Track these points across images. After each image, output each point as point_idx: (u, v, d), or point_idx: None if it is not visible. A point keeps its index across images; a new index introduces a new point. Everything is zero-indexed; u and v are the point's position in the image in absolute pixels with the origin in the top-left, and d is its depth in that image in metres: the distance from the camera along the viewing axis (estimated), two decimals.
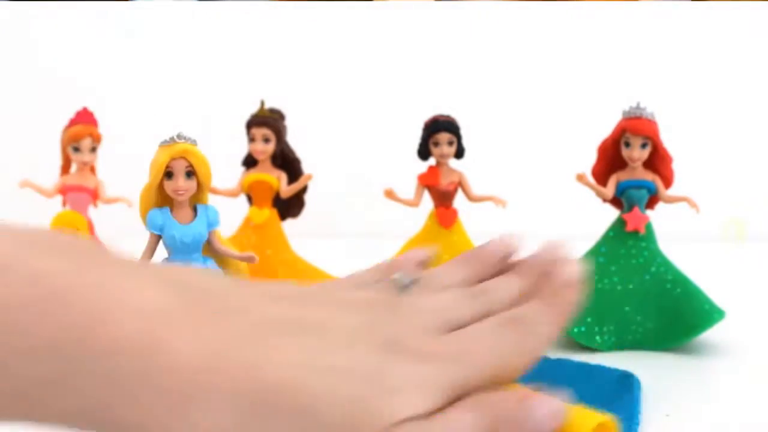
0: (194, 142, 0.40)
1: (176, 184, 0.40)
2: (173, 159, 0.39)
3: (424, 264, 0.36)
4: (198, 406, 0.25)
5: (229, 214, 0.58)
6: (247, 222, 0.56)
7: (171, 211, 0.41)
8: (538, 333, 0.32)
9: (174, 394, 0.25)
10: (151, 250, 0.42)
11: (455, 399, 0.28)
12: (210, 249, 0.42)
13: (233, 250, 0.42)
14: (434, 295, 0.33)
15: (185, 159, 0.39)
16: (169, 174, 0.40)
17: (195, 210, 0.41)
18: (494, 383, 0.30)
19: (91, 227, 0.53)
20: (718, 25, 0.94)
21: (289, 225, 0.58)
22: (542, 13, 0.96)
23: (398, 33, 0.97)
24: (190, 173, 0.40)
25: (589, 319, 0.51)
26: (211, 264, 0.42)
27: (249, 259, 0.42)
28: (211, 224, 0.41)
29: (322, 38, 0.98)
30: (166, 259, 0.42)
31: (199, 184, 0.40)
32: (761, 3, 0.93)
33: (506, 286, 0.34)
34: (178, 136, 0.40)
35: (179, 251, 0.41)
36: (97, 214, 0.56)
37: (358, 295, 0.32)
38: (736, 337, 0.52)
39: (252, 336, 0.27)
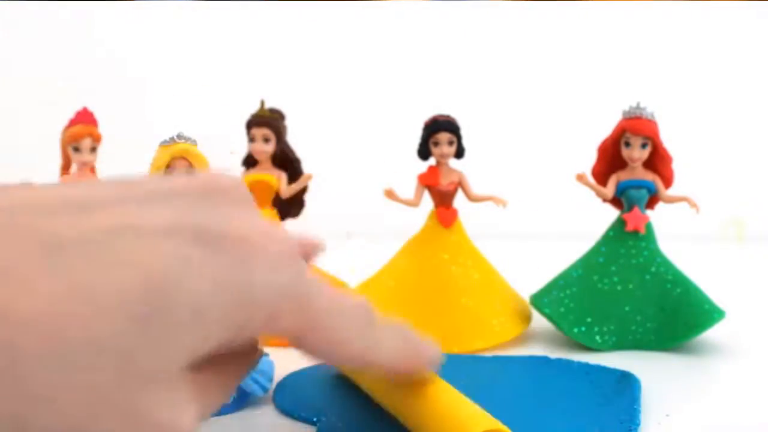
0: (194, 142, 0.41)
1: None
2: (173, 159, 0.40)
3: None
4: None
5: None
6: None
7: None
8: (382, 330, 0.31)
9: None
10: None
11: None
12: None
13: None
14: None
15: (185, 159, 0.40)
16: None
17: None
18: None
19: None
20: (718, 25, 0.94)
21: (289, 225, 0.58)
22: (542, 13, 0.96)
23: (398, 33, 0.97)
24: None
25: (589, 319, 0.51)
26: None
27: None
28: None
29: (322, 38, 0.98)
30: None
31: None
32: (761, 3, 0.93)
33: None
34: (179, 136, 0.40)
35: None
36: None
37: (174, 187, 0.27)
38: (736, 337, 0.52)
39: (13, 266, 0.22)
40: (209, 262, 0.25)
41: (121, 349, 0.23)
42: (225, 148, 0.65)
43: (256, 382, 0.42)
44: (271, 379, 0.43)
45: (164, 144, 0.40)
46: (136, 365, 0.23)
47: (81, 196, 0.25)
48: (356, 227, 0.88)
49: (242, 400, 0.42)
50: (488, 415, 0.33)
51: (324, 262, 0.58)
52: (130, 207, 0.25)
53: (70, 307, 0.22)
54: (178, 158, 0.39)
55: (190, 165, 0.40)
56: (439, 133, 0.54)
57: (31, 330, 0.22)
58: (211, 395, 0.27)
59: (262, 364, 0.43)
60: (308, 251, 0.33)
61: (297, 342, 0.28)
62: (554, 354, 0.50)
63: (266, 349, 0.52)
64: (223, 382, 0.27)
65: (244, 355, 0.29)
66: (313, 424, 0.41)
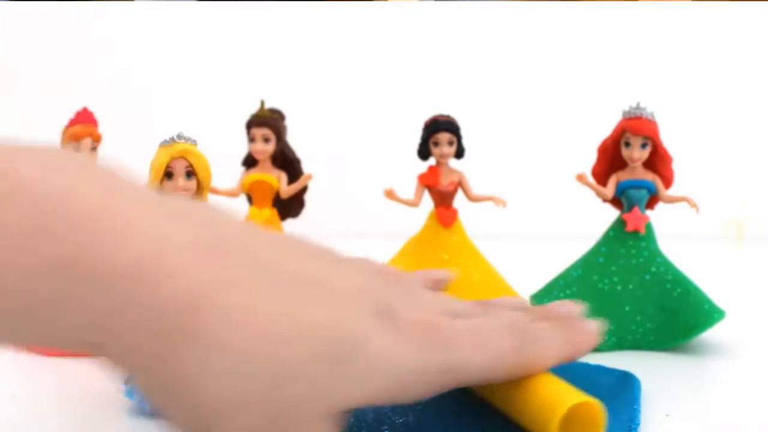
0: (194, 142, 0.40)
1: (176, 185, 0.40)
2: (173, 159, 0.40)
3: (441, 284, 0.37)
4: (186, 344, 0.25)
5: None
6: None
7: None
8: (542, 345, 0.32)
9: (168, 326, 0.25)
10: None
11: (435, 384, 0.29)
12: None
13: None
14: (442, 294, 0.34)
15: (185, 159, 0.40)
16: (169, 174, 0.40)
17: None
18: (480, 380, 0.31)
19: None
20: (718, 25, 0.94)
21: (289, 225, 0.58)
22: (542, 13, 0.96)
23: (398, 33, 0.97)
24: (190, 173, 0.40)
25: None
26: None
27: None
28: None
29: (322, 38, 0.98)
30: None
31: (199, 184, 0.40)
32: (761, 3, 0.93)
33: (517, 304, 0.35)
34: (178, 136, 0.40)
35: None
36: None
37: (366, 261, 0.33)
38: (736, 337, 0.52)
39: (253, 280, 0.27)
40: (387, 333, 0.28)
41: (308, 378, 0.26)
42: (225, 148, 0.65)
43: None
44: None
45: (164, 144, 0.40)
46: (300, 397, 0.26)
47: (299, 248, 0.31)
48: (356, 227, 0.88)
49: None
50: (578, 391, 0.33)
51: None
52: (330, 266, 0.30)
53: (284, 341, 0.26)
54: (177, 158, 0.39)
55: (190, 165, 0.40)
56: (439, 133, 0.54)
57: (235, 346, 0.25)
58: None
59: None
60: (441, 285, 0.38)
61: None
62: None
63: None
64: None
65: None
66: None
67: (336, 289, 0.28)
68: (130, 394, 0.43)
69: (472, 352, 0.30)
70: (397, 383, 0.28)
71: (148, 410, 0.42)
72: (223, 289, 0.26)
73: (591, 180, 0.53)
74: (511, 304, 0.35)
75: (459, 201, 0.56)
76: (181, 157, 0.39)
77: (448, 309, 0.32)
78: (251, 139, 0.56)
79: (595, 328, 0.35)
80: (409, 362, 0.28)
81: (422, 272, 0.37)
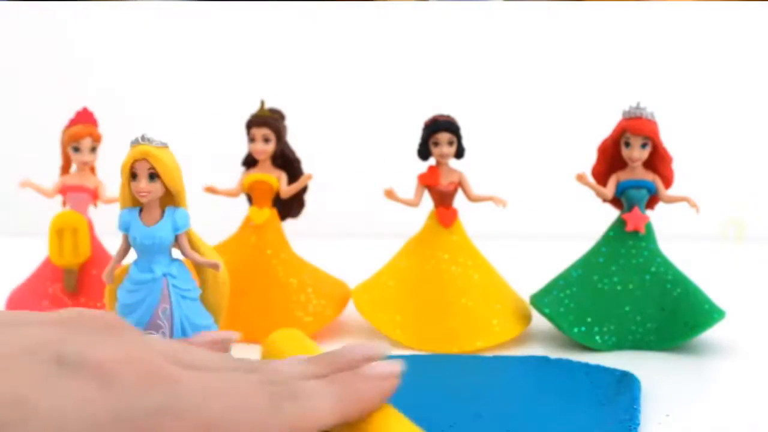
0: (162, 145, 0.41)
1: (138, 186, 0.40)
2: (135, 160, 0.40)
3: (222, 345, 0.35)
4: None
5: (229, 214, 0.59)
6: (247, 222, 0.56)
7: (141, 212, 0.41)
8: (304, 405, 0.29)
9: None
10: (124, 250, 0.42)
11: None
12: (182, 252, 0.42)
13: (199, 256, 0.42)
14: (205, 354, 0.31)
15: (146, 161, 0.40)
16: (134, 175, 0.40)
17: (164, 213, 0.41)
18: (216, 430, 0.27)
19: (91, 227, 0.53)
20: (718, 25, 0.94)
21: (289, 225, 0.58)
22: (542, 13, 0.96)
23: (398, 33, 0.97)
24: (154, 175, 0.40)
25: (589, 319, 0.51)
26: (179, 266, 0.42)
27: (213, 266, 0.42)
28: (177, 228, 0.41)
29: (322, 38, 0.98)
30: (135, 260, 0.42)
31: (168, 187, 0.40)
32: (761, 3, 0.93)
33: (295, 360, 0.32)
34: (143, 138, 0.40)
35: (142, 253, 0.41)
36: (97, 214, 0.56)
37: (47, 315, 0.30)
38: (736, 337, 0.52)
39: None
40: (71, 383, 0.26)
41: None
42: (225, 149, 0.65)
43: None
44: None
45: (131, 144, 0.40)
46: None
47: None
48: (356, 227, 0.88)
49: None
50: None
51: (325, 263, 0.58)
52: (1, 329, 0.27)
53: None
54: (139, 160, 0.40)
55: (152, 167, 0.40)
56: (439, 133, 0.54)
57: None
58: None
59: None
60: (221, 346, 0.35)
61: None
62: (554, 354, 0.50)
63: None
64: None
65: None
66: None
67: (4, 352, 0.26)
68: None
69: (203, 397, 0.27)
70: None
71: None
72: None
73: (591, 180, 0.53)
74: (288, 361, 0.32)
75: (459, 201, 0.56)
76: (143, 159, 0.40)
77: (178, 357, 0.29)
78: (251, 139, 0.56)
79: (390, 370, 0.31)
80: (102, 410, 0.26)
81: (202, 334, 0.36)
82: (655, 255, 0.52)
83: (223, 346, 0.35)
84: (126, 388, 0.26)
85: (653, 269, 0.52)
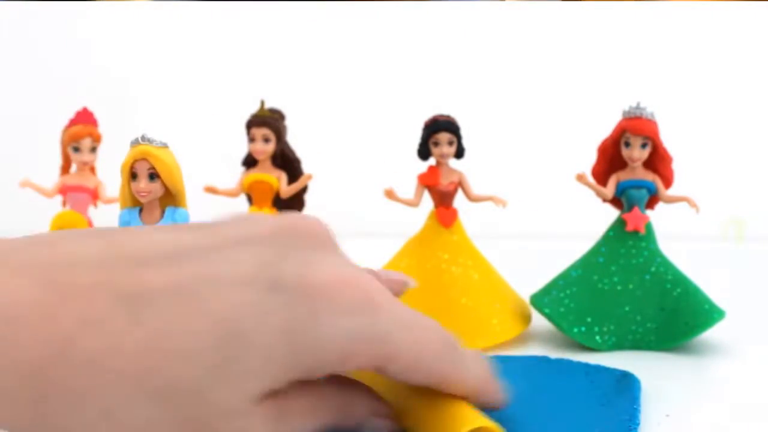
0: (162, 145, 0.41)
1: (138, 186, 0.40)
2: (135, 160, 0.40)
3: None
4: (48, 401, 0.25)
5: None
6: None
7: (141, 212, 0.41)
8: (467, 367, 0.32)
9: (23, 390, 0.25)
10: None
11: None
12: None
13: None
14: None
15: (146, 161, 0.40)
16: (134, 175, 0.40)
17: (164, 213, 0.41)
18: (405, 371, 0.30)
19: (91, 227, 0.53)
20: (718, 25, 0.94)
21: None
22: (542, 13, 0.96)
23: (398, 33, 0.97)
24: (154, 175, 0.40)
25: (589, 319, 0.51)
26: None
27: None
28: None
29: (322, 38, 0.98)
30: None
31: (168, 187, 0.40)
32: (761, 3, 0.93)
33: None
34: (143, 138, 0.40)
35: None
36: (97, 214, 0.56)
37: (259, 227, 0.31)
38: (736, 337, 0.52)
39: (103, 319, 0.26)
40: (281, 312, 0.27)
41: (196, 390, 0.26)
42: (225, 148, 0.65)
43: None
44: None
45: (131, 144, 0.40)
46: (209, 403, 0.26)
47: (167, 247, 0.29)
48: (356, 227, 0.88)
49: None
50: (480, 413, 0.33)
51: None
52: (211, 257, 0.28)
53: (151, 360, 0.26)
54: (139, 160, 0.40)
55: (152, 167, 0.40)
56: (439, 133, 0.54)
57: (120, 378, 0.26)
58: (291, 416, 0.29)
59: None
60: (396, 288, 0.36)
61: (377, 371, 0.30)
62: (554, 354, 0.50)
63: None
64: (306, 405, 0.30)
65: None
66: None
67: (219, 281, 0.27)
68: None
69: (396, 328, 0.29)
70: (307, 357, 0.28)
71: None
72: (69, 348, 0.25)
73: (591, 180, 0.53)
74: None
75: (459, 201, 0.56)
76: (143, 159, 0.40)
77: (375, 284, 0.31)
78: (251, 139, 0.56)
79: (503, 393, 0.34)
80: (306, 334, 0.28)
81: (376, 270, 0.36)
82: (655, 255, 0.52)
83: (399, 288, 0.36)
84: (335, 311, 0.28)
85: (653, 269, 0.52)
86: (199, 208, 0.46)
